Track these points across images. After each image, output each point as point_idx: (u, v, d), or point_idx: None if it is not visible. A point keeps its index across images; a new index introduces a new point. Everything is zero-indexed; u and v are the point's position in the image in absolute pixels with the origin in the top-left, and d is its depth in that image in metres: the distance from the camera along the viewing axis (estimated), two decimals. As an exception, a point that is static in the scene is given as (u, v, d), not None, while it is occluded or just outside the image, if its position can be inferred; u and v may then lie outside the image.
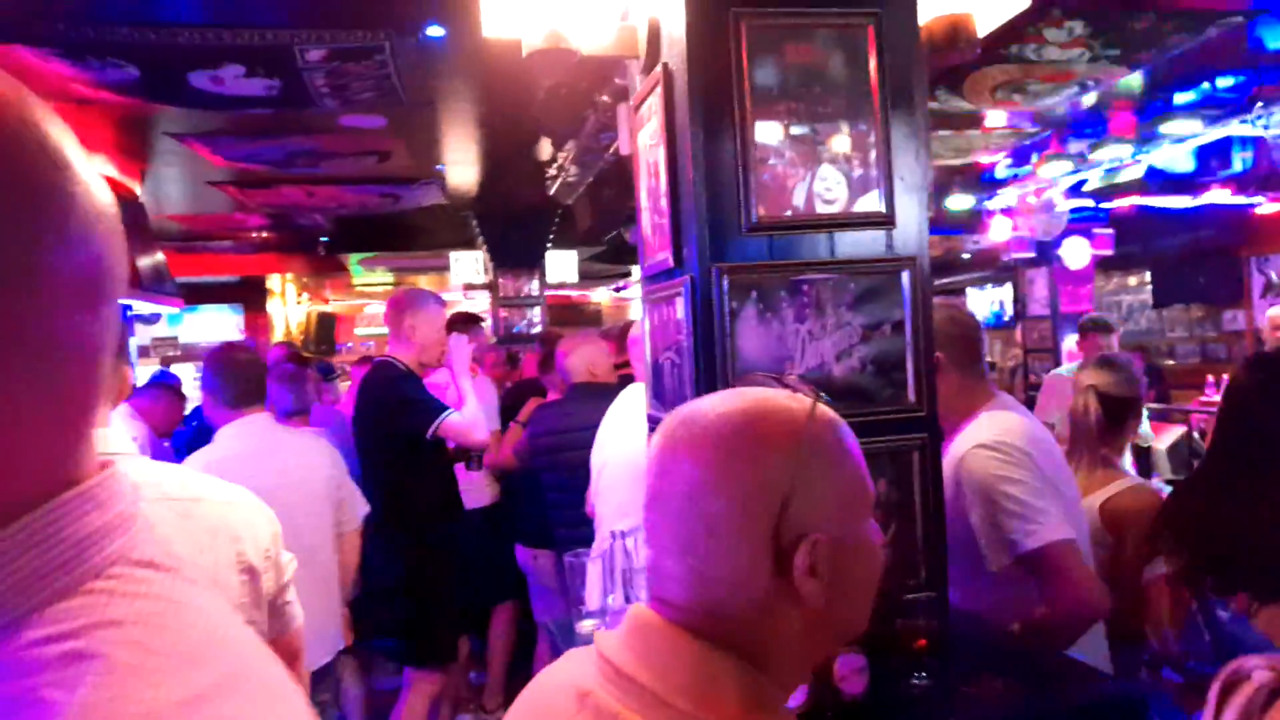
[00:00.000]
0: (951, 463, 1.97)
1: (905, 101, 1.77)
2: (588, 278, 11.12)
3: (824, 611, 0.82)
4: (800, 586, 0.82)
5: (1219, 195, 7.25)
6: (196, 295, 9.72)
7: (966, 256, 10.68)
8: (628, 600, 1.90)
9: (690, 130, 1.72)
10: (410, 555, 3.23)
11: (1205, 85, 5.04)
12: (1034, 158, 6.65)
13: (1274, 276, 8.49)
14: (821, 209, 1.75)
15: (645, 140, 1.99)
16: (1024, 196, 7.24)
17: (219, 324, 11.20)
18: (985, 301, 12.00)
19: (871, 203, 1.76)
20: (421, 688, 3.28)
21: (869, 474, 0.87)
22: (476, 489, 4.22)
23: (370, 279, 12.72)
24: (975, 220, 7.96)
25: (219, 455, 2.53)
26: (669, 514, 0.84)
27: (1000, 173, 7.18)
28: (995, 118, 5.48)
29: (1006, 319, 10.94)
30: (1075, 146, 6.18)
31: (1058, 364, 7.72)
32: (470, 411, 3.22)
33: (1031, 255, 8.15)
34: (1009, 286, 10.20)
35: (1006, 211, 7.49)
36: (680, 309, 1.80)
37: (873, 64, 1.74)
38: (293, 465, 2.68)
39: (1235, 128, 5.31)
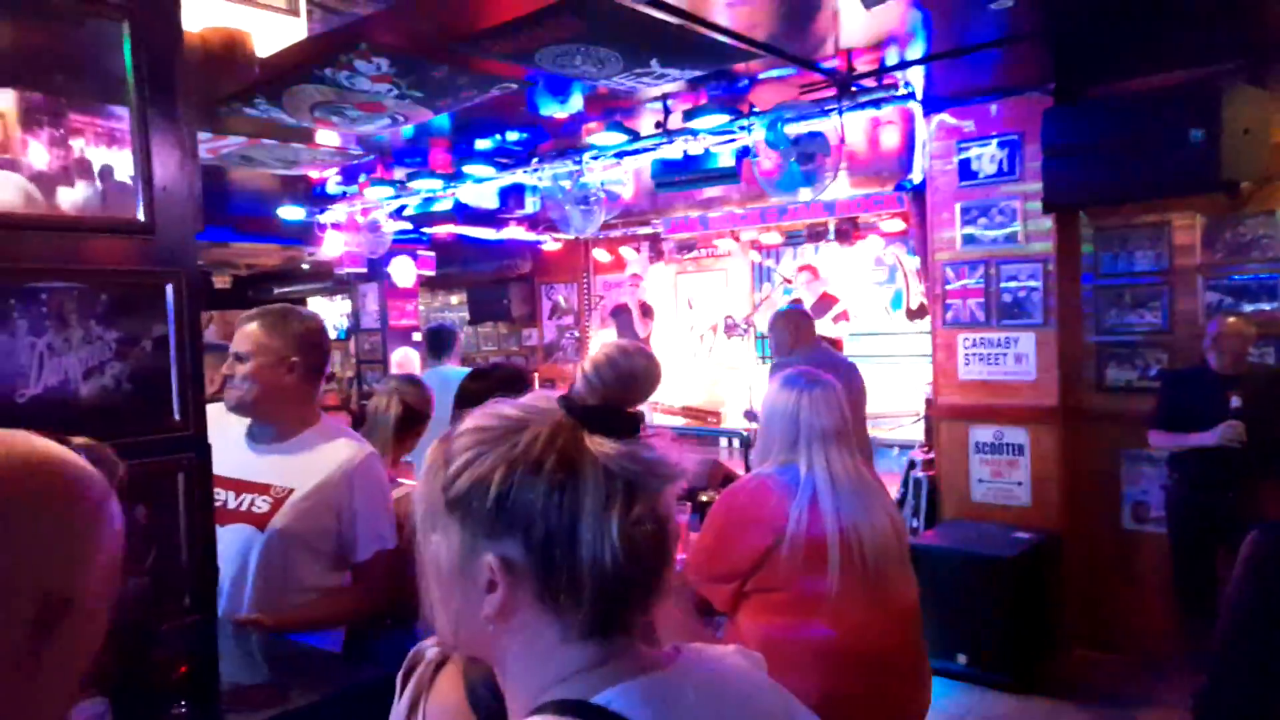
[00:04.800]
0: (337, 463, 2.14)
1: (168, 106, 1.69)
2: None
3: None
4: None
5: (516, 231, 8.53)
6: None
7: (306, 267, 10.69)
8: None
9: (-122, 96, 1.40)
10: None
11: (499, 136, 5.87)
12: (362, 178, 6.98)
13: (561, 301, 10.26)
14: (69, 208, 1.58)
15: None
16: (353, 214, 7.54)
17: None
18: (334, 313, 12.15)
19: (129, 208, 1.64)
20: None
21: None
22: None
23: None
24: (310, 232, 8.02)
25: None
26: None
27: (332, 189, 7.36)
28: (325, 136, 5.59)
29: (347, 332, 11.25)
30: (399, 173, 6.65)
31: (387, 374, 8.20)
32: None
33: (364, 270, 8.52)
34: (347, 299, 10.51)
35: (338, 226, 7.70)
36: None
37: (129, 61, 1.63)
38: None
39: (522, 176, 6.28)
